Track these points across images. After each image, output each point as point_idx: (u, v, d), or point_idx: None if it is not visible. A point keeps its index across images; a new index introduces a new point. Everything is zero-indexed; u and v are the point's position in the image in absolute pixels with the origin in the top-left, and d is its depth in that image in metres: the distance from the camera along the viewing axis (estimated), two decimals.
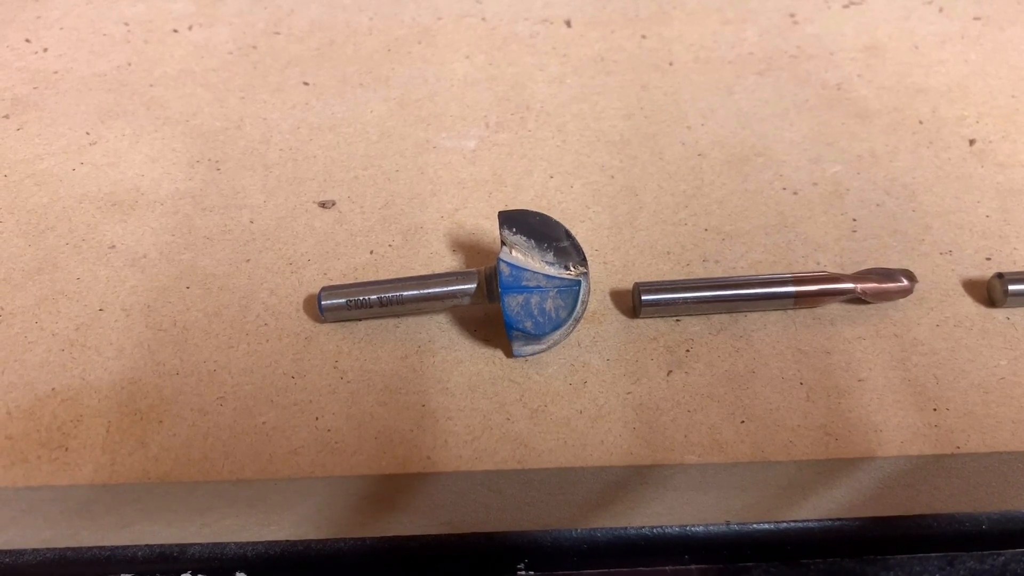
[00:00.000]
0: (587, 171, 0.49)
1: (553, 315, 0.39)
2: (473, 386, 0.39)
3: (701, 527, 0.42)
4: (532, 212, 0.41)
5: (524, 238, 0.41)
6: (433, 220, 0.46)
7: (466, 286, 0.40)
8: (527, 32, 0.58)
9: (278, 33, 0.58)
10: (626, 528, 0.42)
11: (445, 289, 0.40)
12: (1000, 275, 0.42)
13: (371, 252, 0.45)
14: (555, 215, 0.47)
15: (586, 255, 0.40)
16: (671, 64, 0.56)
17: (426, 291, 0.40)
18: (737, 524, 0.42)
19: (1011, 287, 0.42)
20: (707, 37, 0.58)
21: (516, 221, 0.41)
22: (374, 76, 0.55)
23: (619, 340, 0.41)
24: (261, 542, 0.41)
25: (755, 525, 0.42)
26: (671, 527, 0.42)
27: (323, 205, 0.47)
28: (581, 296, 0.40)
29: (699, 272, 0.44)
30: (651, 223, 0.46)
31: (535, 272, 0.40)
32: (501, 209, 0.43)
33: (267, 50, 0.56)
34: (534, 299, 0.39)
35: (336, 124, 0.51)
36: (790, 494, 0.39)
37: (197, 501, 0.37)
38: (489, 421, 0.38)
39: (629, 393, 0.39)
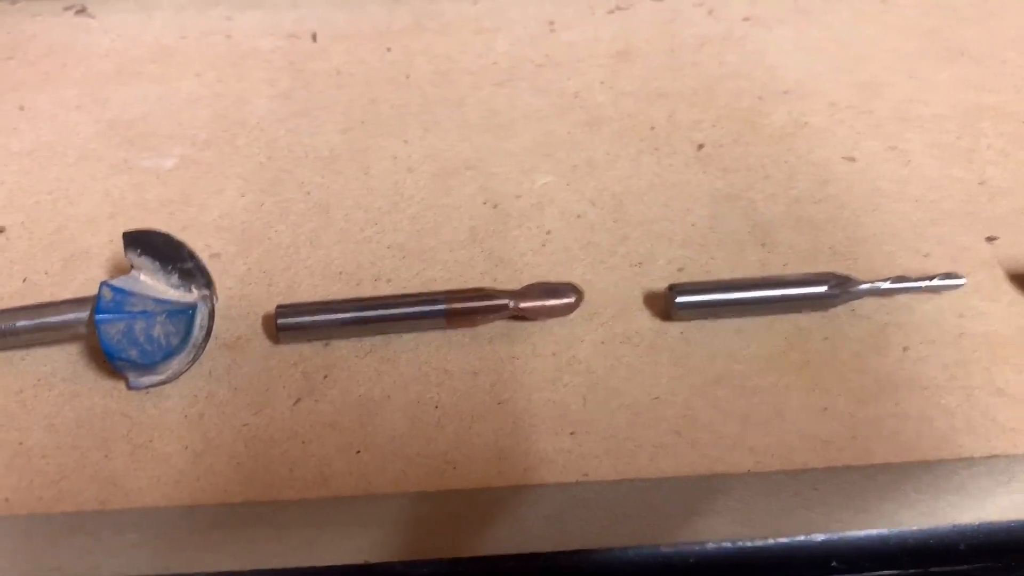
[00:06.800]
0: (284, 188, 0.47)
1: (163, 342, 0.37)
2: (81, 422, 0.36)
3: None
4: (157, 232, 0.38)
5: (149, 260, 0.38)
6: (101, 245, 0.44)
7: (80, 314, 0.38)
8: (269, 47, 0.56)
9: (11, 58, 0.56)
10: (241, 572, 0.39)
11: (59, 318, 0.38)
12: (672, 287, 0.40)
13: (24, 280, 0.42)
14: (235, 235, 0.44)
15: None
16: (408, 76, 0.54)
17: (40, 320, 0.38)
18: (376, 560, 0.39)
19: (679, 299, 0.39)
20: (454, 48, 0.56)
21: (141, 242, 0.38)
22: (94, 99, 0.52)
23: (256, 368, 0.38)
24: None
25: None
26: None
27: None
28: (198, 321, 0.37)
29: (369, 292, 0.42)
30: (333, 242, 0.44)
31: (144, 296, 0.37)
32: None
33: None
34: (139, 325, 0.36)
35: (37, 148, 0.49)
36: (409, 530, 0.36)
37: None
38: (85, 459, 0.35)
39: (246, 425, 0.36)
